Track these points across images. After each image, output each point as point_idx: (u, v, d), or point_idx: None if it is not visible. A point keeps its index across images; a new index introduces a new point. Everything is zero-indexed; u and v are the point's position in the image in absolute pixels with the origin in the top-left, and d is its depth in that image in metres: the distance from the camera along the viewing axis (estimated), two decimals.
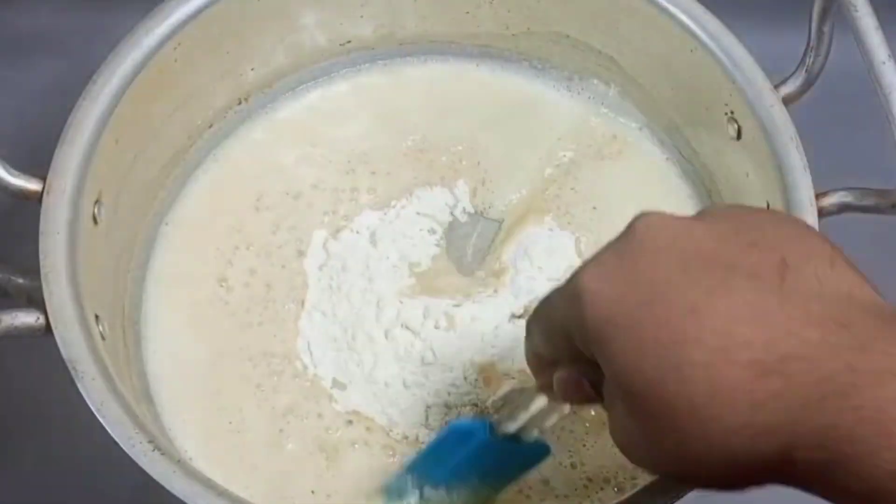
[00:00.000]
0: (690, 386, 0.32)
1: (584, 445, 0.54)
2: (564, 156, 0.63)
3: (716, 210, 0.40)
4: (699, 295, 0.32)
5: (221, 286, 0.59)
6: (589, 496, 0.53)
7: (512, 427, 0.44)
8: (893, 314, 0.32)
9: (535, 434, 0.44)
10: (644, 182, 0.62)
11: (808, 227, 0.38)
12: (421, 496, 0.48)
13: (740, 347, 0.31)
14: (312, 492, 0.53)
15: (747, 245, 0.34)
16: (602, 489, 0.53)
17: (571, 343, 0.36)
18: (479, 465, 0.46)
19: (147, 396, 0.54)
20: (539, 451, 0.45)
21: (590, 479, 0.53)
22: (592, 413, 0.54)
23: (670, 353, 0.32)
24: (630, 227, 0.36)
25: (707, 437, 0.32)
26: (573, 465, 0.53)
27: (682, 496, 0.44)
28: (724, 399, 0.31)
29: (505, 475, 0.48)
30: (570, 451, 0.54)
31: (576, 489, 0.53)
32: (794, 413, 0.30)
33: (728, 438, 0.31)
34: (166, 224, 0.60)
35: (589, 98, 0.64)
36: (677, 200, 0.61)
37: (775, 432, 0.31)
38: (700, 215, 0.37)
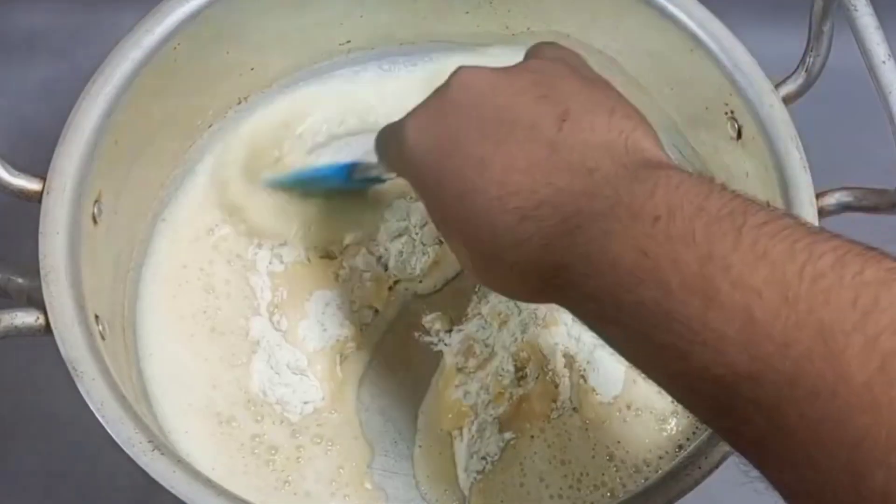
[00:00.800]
0: (478, 231, 0.38)
1: (571, 440, 0.54)
2: None
3: (528, 62, 0.44)
4: (488, 148, 0.38)
5: (221, 286, 0.59)
6: (582, 498, 0.53)
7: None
8: (643, 160, 0.37)
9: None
10: None
11: (600, 80, 0.43)
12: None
13: (511, 195, 0.37)
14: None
15: (539, 97, 0.39)
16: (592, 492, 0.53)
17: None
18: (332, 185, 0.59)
19: (145, 397, 0.54)
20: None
21: (579, 480, 0.54)
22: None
23: (465, 202, 0.38)
24: (447, 82, 0.42)
25: (498, 268, 0.39)
26: (562, 462, 0.54)
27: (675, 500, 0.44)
28: (499, 241, 0.38)
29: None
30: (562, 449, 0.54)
31: (570, 486, 0.53)
32: (541, 252, 0.36)
33: (510, 269, 0.38)
34: (163, 220, 0.60)
35: None
36: None
37: (534, 264, 0.37)
38: (514, 66, 0.42)
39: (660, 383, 0.34)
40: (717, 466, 0.45)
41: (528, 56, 0.45)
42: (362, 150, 0.58)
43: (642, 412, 0.55)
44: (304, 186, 0.59)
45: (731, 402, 0.30)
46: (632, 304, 0.33)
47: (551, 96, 0.39)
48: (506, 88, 0.40)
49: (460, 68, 0.42)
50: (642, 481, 0.52)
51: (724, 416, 0.31)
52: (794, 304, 0.29)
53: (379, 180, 0.56)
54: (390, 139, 0.45)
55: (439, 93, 0.42)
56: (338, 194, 0.60)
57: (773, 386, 0.29)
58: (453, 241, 0.41)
